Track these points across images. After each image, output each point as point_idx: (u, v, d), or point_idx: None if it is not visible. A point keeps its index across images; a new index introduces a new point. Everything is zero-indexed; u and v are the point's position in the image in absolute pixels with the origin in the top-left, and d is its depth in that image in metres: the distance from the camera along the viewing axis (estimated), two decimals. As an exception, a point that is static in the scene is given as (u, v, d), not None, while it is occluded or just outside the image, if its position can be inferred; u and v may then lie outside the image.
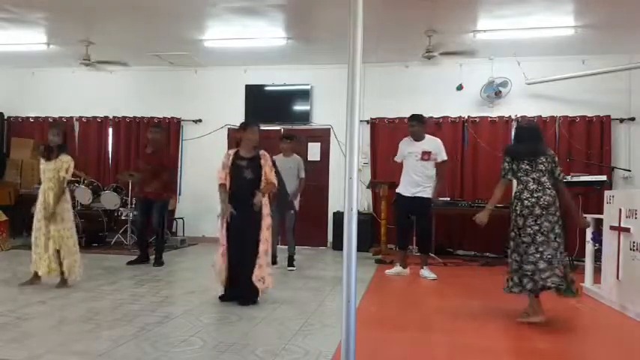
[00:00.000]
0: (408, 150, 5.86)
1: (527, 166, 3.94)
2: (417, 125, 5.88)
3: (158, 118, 8.94)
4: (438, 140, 6.01)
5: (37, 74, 9.30)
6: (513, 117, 7.77)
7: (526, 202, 3.86)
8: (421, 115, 6.02)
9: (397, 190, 5.97)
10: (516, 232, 3.93)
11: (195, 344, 3.28)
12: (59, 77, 9.19)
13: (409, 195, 5.75)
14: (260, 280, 4.33)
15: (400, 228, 6.06)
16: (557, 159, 4.06)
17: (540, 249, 3.80)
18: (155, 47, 7.79)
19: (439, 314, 4.37)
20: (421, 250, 6.03)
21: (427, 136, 5.95)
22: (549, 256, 3.78)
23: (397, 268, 5.95)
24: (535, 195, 3.85)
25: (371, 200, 8.26)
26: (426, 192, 5.75)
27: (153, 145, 6.39)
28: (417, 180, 5.73)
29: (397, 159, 6.06)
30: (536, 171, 3.92)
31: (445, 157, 5.91)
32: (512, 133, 4.40)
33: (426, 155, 5.76)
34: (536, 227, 3.82)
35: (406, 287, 5.52)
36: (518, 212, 3.90)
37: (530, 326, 3.81)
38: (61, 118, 9.23)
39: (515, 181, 4.07)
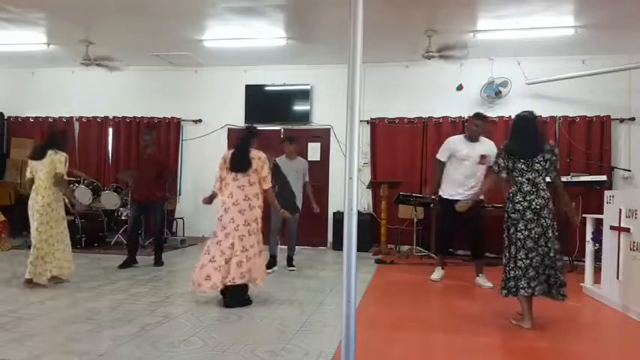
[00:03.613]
0: (465, 151, 5.42)
1: (523, 166, 3.84)
2: (482, 125, 5.48)
3: (158, 118, 8.95)
4: (493, 144, 5.51)
5: (37, 74, 9.31)
6: (513, 117, 7.74)
7: (518, 205, 3.79)
8: (484, 114, 5.65)
9: (442, 195, 5.55)
10: (507, 235, 3.87)
11: (195, 344, 3.28)
12: (59, 77, 9.19)
13: (461, 199, 5.21)
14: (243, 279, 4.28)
15: (444, 233, 5.76)
16: (557, 151, 3.94)
17: (530, 255, 3.75)
18: (155, 47, 7.80)
19: (439, 314, 4.37)
20: (476, 255, 5.63)
21: (482, 138, 5.55)
22: (537, 264, 3.75)
23: (439, 272, 5.72)
24: (528, 198, 3.78)
25: (371, 200, 8.27)
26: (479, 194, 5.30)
27: (150, 148, 6.40)
28: (470, 184, 5.33)
29: (442, 157, 5.56)
30: (532, 171, 3.82)
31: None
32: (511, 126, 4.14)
33: (483, 159, 5.37)
34: (527, 232, 3.76)
35: (406, 287, 5.51)
36: (510, 215, 3.84)
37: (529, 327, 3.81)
38: (61, 118, 9.24)
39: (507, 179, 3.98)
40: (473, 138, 5.52)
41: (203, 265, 4.35)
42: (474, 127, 5.53)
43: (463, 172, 5.43)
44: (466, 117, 7.95)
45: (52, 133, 5.34)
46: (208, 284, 4.26)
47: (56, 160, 4.93)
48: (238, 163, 4.44)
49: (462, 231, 5.88)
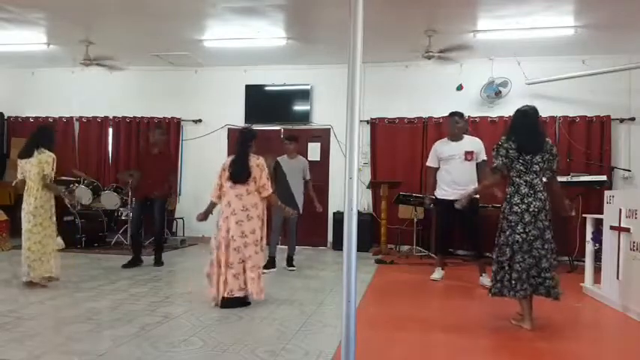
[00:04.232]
0: (449, 152, 5.52)
1: (522, 167, 3.79)
2: (462, 122, 5.60)
3: (158, 118, 8.95)
4: (478, 139, 5.73)
5: (37, 74, 9.30)
6: (513, 112, 7.75)
7: (515, 207, 3.76)
8: (460, 111, 5.71)
9: (437, 196, 5.61)
10: (503, 235, 3.84)
11: (195, 344, 3.28)
12: (59, 77, 9.18)
13: (455, 198, 5.07)
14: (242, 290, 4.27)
15: (443, 233, 5.79)
16: (555, 150, 3.88)
17: (525, 257, 3.74)
18: (155, 47, 7.79)
19: (439, 314, 4.38)
20: (477, 255, 5.56)
21: (465, 136, 5.67)
22: (528, 266, 3.73)
23: (440, 272, 5.71)
24: (525, 201, 3.74)
25: (371, 200, 8.27)
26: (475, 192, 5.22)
27: (158, 146, 6.40)
28: (461, 182, 5.34)
29: (431, 164, 5.71)
30: (530, 172, 3.78)
31: (485, 157, 5.48)
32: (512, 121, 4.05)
33: (469, 155, 5.46)
34: (524, 235, 3.74)
35: (406, 287, 5.52)
36: (507, 216, 3.81)
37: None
38: (61, 118, 9.24)
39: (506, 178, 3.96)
40: (454, 137, 5.61)
41: (209, 275, 4.36)
42: (453, 125, 5.61)
43: (451, 172, 5.51)
44: (466, 117, 7.93)
45: (36, 130, 5.23)
46: (215, 293, 4.30)
47: (43, 161, 4.89)
48: (238, 173, 4.35)
49: (461, 231, 5.87)
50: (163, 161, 6.41)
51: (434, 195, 5.73)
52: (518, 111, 4.00)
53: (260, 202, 4.40)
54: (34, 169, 4.88)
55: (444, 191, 5.52)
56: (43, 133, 5.15)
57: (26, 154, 4.97)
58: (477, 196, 5.38)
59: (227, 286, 4.23)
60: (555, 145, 4.00)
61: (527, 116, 3.92)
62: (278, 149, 6.56)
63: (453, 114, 5.67)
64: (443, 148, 5.65)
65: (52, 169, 4.94)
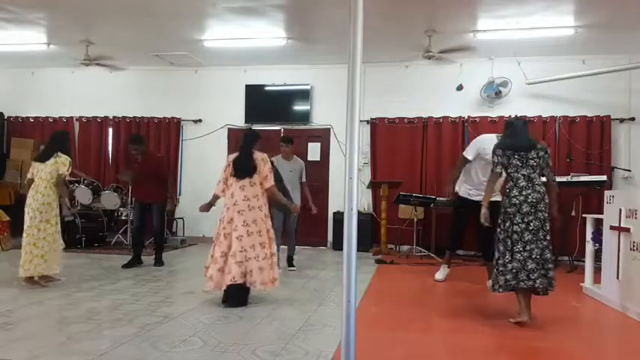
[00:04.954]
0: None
1: (518, 162, 3.91)
2: None
3: (158, 118, 8.95)
4: None
5: (37, 74, 9.31)
6: (513, 117, 7.76)
7: (514, 199, 3.84)
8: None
9: (461, 195, 5.37)
10: (503, 229, 3.89)
11: (195, 344, 3.28)
12: (59, 77, 9.19)
13: (476, 199, 4.85)
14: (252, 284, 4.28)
15: (457, 232, 5.66)
16: (549, 150, 4.00)
17: (528, 247, 3.78)
18: (155, 47, 7.80)
19: (439, 314, 4.37)
20: (490, 257, 4.84)
21: None
22: (537, 256, 3.77)
23: (445, 271, 5.67)
24: (524, 193, 3.83)
25: (371, 200, 8.27)
26: (499, 196, 4.80)
27: (140, 156, 6.34)
28: (495, 189, 4.80)
29: (470, 156, 5.21)
30: (527, 167, 3.89)
31: None
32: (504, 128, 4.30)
33: None
34: (524, 225, 3.80)
35: (406, 287, 5.52)
36: (506, 209, 3.88)
37: (530, 326, 3.80)
38: (61, 118, 9.24)
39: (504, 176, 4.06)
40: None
41: (206, 267, 4.40)
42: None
43: (485, 175, 4.90)
44: (466, 117, 7.97)
45: (54, 136, 5.39)
46: (212, 284, 4.31)
47: (60, 162, 5.03)
48: (242, 170, 4.41)
49: (478, 232, 5.61)
50: (148, 167, 6.35)
51: (456, 190, 5.44)
52: (507, 120, 4.38)
53: (262, 195, 4.44)
54: (48, 168, 4.99)
55: (470, 192, 5.28)
56: (62, 138, 5.30)
57: (44, 158, 5.08)
58: (500, 198, 4.93)
59: (230, 274, 4.23)
60: (547, 146, 4.11)
61: (516, 122, 4.22)
62: (277, 149, 6.55)
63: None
64: (490, 148, 4.64)
65: (68, 170, 5.07)
